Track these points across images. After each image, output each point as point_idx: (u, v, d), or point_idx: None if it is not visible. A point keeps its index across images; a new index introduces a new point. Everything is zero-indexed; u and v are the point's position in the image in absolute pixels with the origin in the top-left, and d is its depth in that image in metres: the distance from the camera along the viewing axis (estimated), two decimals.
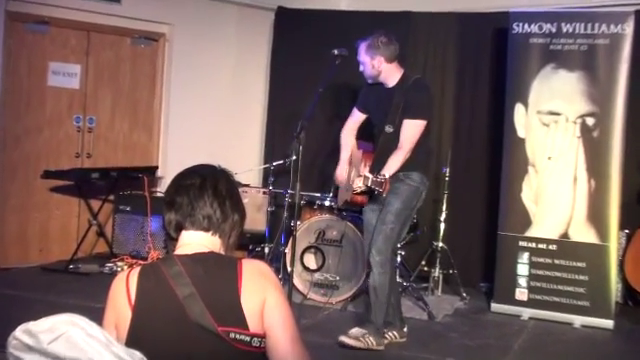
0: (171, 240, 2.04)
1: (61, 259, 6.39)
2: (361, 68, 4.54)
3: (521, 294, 5.58)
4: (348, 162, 4.74)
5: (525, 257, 5.57)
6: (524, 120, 5.59)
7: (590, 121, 5.41)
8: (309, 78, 6.35)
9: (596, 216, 5.38)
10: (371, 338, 4.42)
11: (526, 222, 5.58)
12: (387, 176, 3.97)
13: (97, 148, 6.85)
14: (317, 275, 5.67)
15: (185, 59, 7.13)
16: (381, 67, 4.45)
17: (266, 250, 6.19)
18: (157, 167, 6.99)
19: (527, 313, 5.53)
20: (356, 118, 4.79)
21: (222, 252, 2.03)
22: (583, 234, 5.42)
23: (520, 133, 5.61)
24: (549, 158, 5.51)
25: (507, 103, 5.67)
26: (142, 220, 6.48)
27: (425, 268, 6.20)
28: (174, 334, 1.85)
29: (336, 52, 4.47)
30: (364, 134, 4.86)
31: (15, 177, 6.37)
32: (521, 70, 5.60)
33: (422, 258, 6.22)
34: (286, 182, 5.20)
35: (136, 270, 1.94)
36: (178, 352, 1.83)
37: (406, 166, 4.38)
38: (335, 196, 5.46)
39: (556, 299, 5.47)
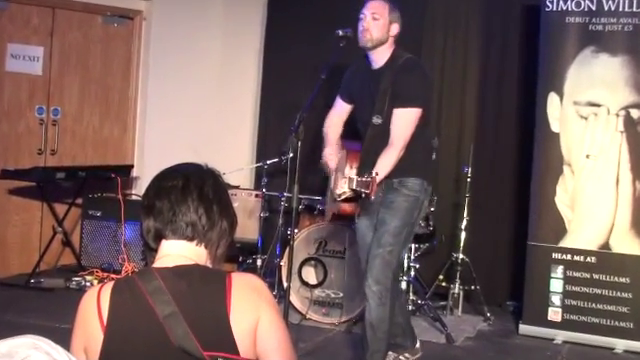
0: (149, 251, 2.05)
1: (21, 272, 6.40)
2: (363, 26, 4.24)
3: (554, 314, 5.58)
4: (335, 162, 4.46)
5: (559, 271, 5.57)
6: (559, 112, 5.59)
7: (635, 113, 5.41)
8: (309, 63, 6.36)
9: None
10: None
11: (560, 231, 5.58)
12: (374, 174, 3.70)
13: (63, 144, 6.86)
14: (317, 291, 5.68)
15: (165, 41, 7.14)
16: (390, 37, 4.26)
17: (259, 262, 6.19)
18: (132, 166, 7.00)
19: (561, 336, 5.53)
20: (341, 110, 4.56)
21: (208, 264, 2.03)
22: (626, 245, 5.42)
23: (554, 127, 5.61)
24: (587, 156, 5.52)
25: (539, 92, 5.67)
26: (115, 227, 6.48)
27: (443, 284, 6.20)
28: (153, 359, 1.85)
29: (340, 33, 4.36)
30: (347, 131, 4.66)
31: None
32: (555, 54, 5.60)
33: (440, 272, 6.22)
34: (282, 184, 5.21)
35: (108, 285, 1.94)
36: None
37: (400, 170, 4.16)
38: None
39: (595, 320, 5.47)
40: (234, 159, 7.03)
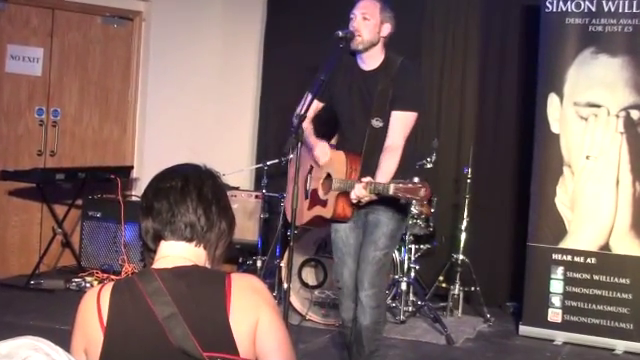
0: (148, 252, 2.05)
1: (21, 274, 6.40)
2: (353, 26, 4.10)
3: (554, 315, 5.59)
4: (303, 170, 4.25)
5: (559, 272, 5.58)
6: (558, 113, 5.59)
7: (635, 114, 5.41)
8: (309, 62, 6.34)
9: None
10: None
11: (560, 232, 5.58)
12: (417, 180, 3.65)
13: (62, 145, 6.86)
14: (317, 292, 5.68)
15: (164, 41, 7.14)
16: (382, 37, 4.15)
17: (259, 263, 6.20)
18: (132, 167, 7.00)
19: (561, 337, 5.53)
20: (313, 105, 4.17)
21: (207, 265, 2.04)
22: (627, 246, 5.42)
23: (554, 128, 5.61)
24: (587, 157, 5.52)
25: (539, 93, 5.68)
26: (114, 228, 6.49)
27: (443, 285, 6.21)
28: None
29: (340, 34, 4.29)
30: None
31: None
32: (555, 55, 5.60)
33: (440, 273, 6.22)
34: (282, 185, 5.20)
35: (108, 286, 1.95)
36: None
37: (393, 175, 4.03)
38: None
39: (595, 321, 5.47)
40: (234, 160, 7.03)
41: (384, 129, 4.10)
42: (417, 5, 6.53)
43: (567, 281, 5.55)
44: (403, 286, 5.76)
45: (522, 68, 6.38)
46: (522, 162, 6.15)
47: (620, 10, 5.42)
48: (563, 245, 5.57)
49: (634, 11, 5.38)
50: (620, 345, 5.38)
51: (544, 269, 5.60)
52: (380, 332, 4.25)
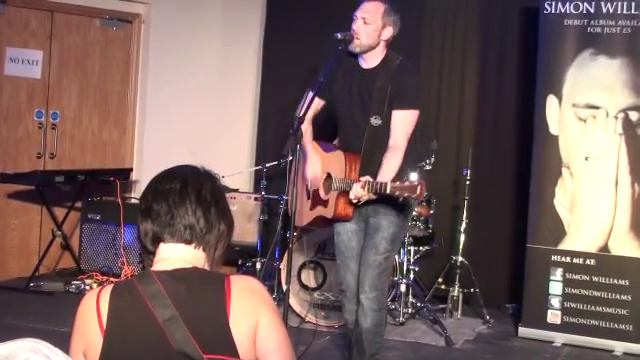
0: (147, 254, 2.05)
1: (21, 276, 6.40)
2: (353, 29, 4.09)
3: (553, 317, 5.58)
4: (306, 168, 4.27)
5: (558, 274, 5.58)
6: (557, 114, 5.60)
7: (634, 116, 5.41)
8: (308, 63, 6.35)
9: None
10: None
11: (559, 233, 5.58)
12: (415, 179, 3.71)
13: (62, 147, 6.86)
14: (317, 294, 5.68)
15: (163, 43, 7.14)
16: (383, 41, 4.15)
17: (258, 265, 6.20)
18: (131, 169, 7.00)
19: (560, 338, 5.53)
20: (313, 106, 4.14)
21: (207, 268, 2.04)
22: (626, 247, 5.42)
23: (553, 129, 5.61)
24: (586, 159, 5.52)
25: (538, 95, 5.68)
26: (114, 231, 6.49)
27: (442, 286, 6.20)
28: None
29: (339, 36, 4.28)
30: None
31: None
32: (554, 56, 5.61)
33: (439, 275, 6.22)
34: (281, 187, 5.20)
35: (108, 289, 1.95)
36: None
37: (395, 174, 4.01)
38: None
39: (594, 322, 5.47)
40: (233, 162, 7.04)
41: (383, 127, 4.08)
42: (416, 6, 6.53)
43: (566, 282, 5.55)
44: (402, 288, 5.76)
45: (521, 70, 6.39)
46: (521, 163, 6.15)
47: (619, 12, 5.42)
48: (562, 246, 5.57)
49: (633, 12, 5.38)
50: (619, 346, 5.38)
51: (543, 270, 5.60)
52: (381, 335, 4.25)
